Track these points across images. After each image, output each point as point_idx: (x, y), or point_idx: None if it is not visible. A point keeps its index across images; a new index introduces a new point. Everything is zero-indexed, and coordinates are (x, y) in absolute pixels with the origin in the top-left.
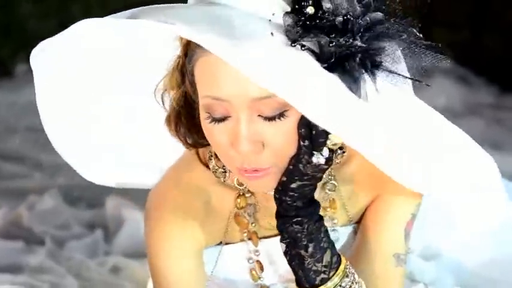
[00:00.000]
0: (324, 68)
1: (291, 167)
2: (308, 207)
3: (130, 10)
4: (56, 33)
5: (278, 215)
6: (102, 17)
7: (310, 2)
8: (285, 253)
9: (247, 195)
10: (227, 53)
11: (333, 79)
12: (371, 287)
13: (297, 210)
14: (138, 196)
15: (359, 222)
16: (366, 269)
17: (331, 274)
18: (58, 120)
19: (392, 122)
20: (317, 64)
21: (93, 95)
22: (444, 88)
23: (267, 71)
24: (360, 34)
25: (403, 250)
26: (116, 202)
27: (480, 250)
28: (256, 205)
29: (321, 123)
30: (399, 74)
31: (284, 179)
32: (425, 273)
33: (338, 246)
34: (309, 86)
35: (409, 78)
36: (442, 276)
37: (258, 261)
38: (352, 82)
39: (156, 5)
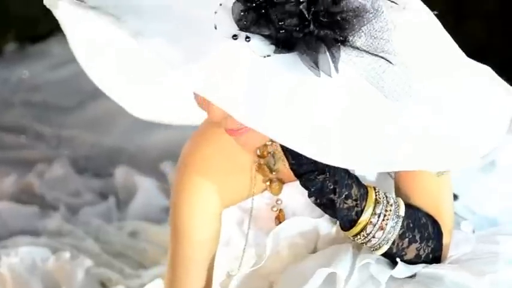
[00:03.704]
0: (280, 51)
1: None
2: None
3: None
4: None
5: (298, 175)
6: None
7: None
8: (318, 204)
9: (267, 143)
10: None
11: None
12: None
13: (315, 162)
14: (146, 165)
15: None
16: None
17: (363, 205)
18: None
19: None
20: (253, 59)
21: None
22: None
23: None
24: (316, 18)
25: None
26: (125, 172)
27: None
28: (276, 153)
29: (248, 123)
30: (366, 51)
31: None
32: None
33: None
34: (232, 88)
35: (377, 56)
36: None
37: (280, 209)
38: (312, 61)
39: None
